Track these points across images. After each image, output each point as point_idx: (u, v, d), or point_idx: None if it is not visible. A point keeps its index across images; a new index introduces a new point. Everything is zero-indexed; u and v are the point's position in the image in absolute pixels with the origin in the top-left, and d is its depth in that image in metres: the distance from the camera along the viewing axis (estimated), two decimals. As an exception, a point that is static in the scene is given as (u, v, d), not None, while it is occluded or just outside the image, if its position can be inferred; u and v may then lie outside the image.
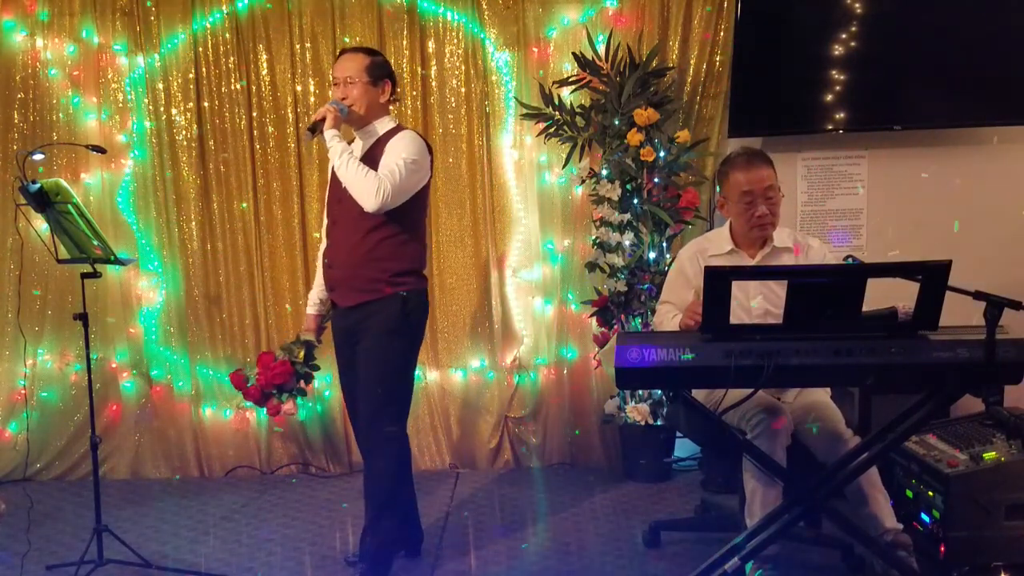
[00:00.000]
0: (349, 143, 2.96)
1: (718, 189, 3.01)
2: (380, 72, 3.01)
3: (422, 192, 3.01)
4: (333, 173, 3.01)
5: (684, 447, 4.12)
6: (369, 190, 2.81)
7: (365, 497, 3.03)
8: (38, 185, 3.01)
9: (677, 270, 3.03)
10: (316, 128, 2.92)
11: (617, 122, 3.97)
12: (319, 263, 3.18)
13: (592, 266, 4.08)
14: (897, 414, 2.54)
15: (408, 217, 2.95)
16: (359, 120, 3.00)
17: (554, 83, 4.10)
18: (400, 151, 2.88)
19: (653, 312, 3.93)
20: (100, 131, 4.22)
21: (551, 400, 4.31)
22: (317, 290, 3.20)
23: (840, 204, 4.19)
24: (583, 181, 4.12)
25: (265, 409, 3.24)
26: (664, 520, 3.41)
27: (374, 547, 2.98)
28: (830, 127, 4.02)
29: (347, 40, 4.17)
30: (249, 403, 3.36)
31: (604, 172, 4.02)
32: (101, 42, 4.19)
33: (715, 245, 3.00)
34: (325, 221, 3.13)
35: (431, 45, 4.20)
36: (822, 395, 2.94)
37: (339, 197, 2.97)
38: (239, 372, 3.29)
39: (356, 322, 2.97)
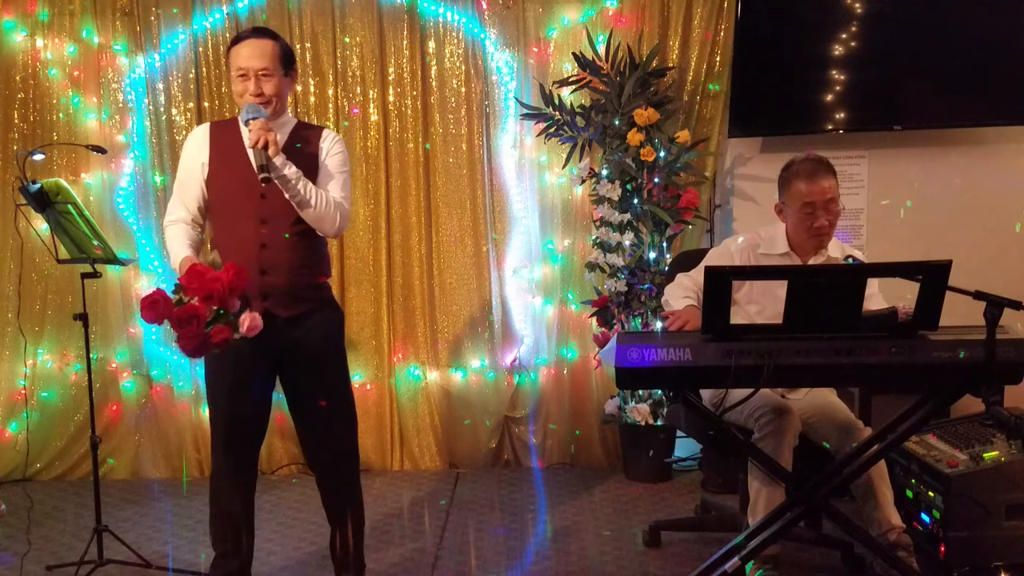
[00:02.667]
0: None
1: (778, 192, 2.97)
2: (290, 59, 2.68)
3: None
4: (231, 159, 2.62)
5: (684, 447, 4.12)
6: (333, 218, 2.60)
7: (340, 511, 2.80)
8: (38, 185, 3.01)
9: (721, 255, 3.00)
10: (268, 165, 2.44)
11: (617, 122, 3.97)
12: (179, 234, 2.65)
13: (592, 266, 4.08)
14: (897, 414, 2.54)
15: None
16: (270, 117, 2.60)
17: (554, 83, 4.11)
18: (341, 165, 2.68)
19: (653, 312, 3.94)
20: (100, 131, 4.22)
21: (551, 400, 4.31)
22: (186, 243, 2.63)
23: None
24: (583, 181, 4.12)
25: (208, 336, 2.28)
26: (664, 520, 3.41)
27: (359, 560, 2.86)
28: (830, 127, 4.02)
29: (347, 40, 4.17)
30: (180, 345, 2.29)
31: (604, 172, 4.02)
32: (101, 42, 4.19)
33: (768, 244, 2.98)
34: (192, 216, 2.67)
35: (431, 45, 4.20)
36: (829, 394, 2.95)
37: (261, 192, 2.56)
38: (159, 293, 2.27)
39: (294, 334, 2.64)
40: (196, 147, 2.69)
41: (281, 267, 2.61)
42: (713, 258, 3.01)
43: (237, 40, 2.64)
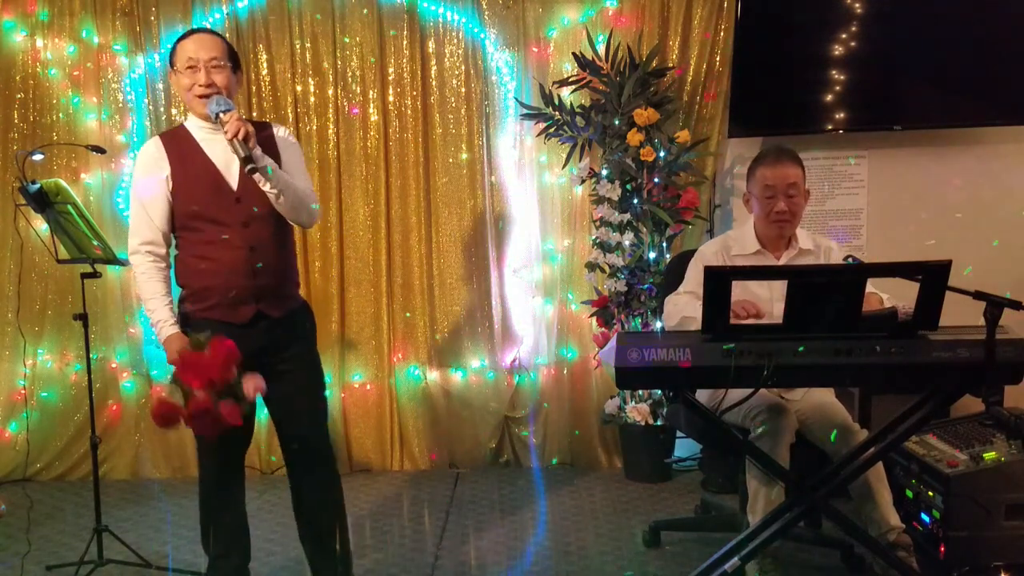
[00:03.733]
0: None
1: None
2: (237, 61, 2.65)
3: None
4: (195, 167, 2.56)
5: (684, 447, 4.12)
6: (309, 208, 2.59)
7: (336, 506, 2.78)
8: (38, 185, 3.01)
9: (699, 264, 2.97)
10: (252, 156, 2.39)
11: (617, 122, 3.97)
12: (150, 272, 2.59)
13: (592, 266, 4.09)
14: (897, 414, 2.54)
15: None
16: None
17: (554, 83, 4.11)
18: (301, 158, 2.69)
19: (653, 312, 3.94)
20: (100, 131, 4.22)
21: (551, 400, 4.31)
22: (165, 303, 2.58)
23: (840, 204, 4.19)
24: (583, 181, 4.12)
25: (221, 417, 2.32)
26: (664, 520, 3.41)
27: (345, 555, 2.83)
28: (830, 127, 4.02)
29: (347, 40, 4.17)
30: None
31: (604, 172, 4.02)
32: (101, 42, 4.19)
33: (739, 245, 2.99)
34: (155, 239, 2.58)
35: (431, 45, 4.20)
36: (827, 394, 2.94)
37: (236, 197, 2.54)
38: (166, 403, 2.36)
39: (282, 333, 2.63)
40: (154, 163, 2.56)
41: (270, 268, 2.59)
42: (696, 268, 2.96)
43: (182, 38, 2.58)
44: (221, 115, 2.43)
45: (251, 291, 2.57)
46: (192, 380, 2.30)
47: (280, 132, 2.70)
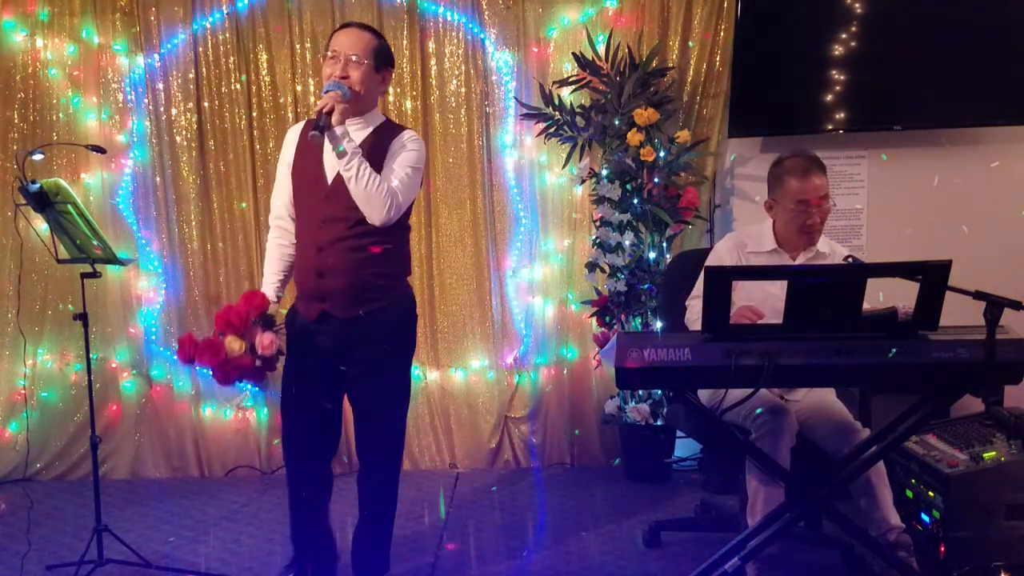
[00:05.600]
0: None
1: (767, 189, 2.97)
2: (385, 59, 2.69)
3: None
4: (303, 162, 2.68)
5: (684, 447, 4.12)
6: (382, 204, 2.52)
7: (374, 506, 2.84)
8: (38, 185, 3.01)
9: (717, 262, 2.96)
10: (324, 125, 2.46)
11: (617, 122, 3.97)
12: (271, 249, 2.81)
13: (592, 266, 4.09)
14: (897, 414, 2.54)
15: (403, 220, 2.71)
16: (350, 108, 2.59)
17: (554, 83, 4.11)
18: (408, 161, 2.62)
19: (653, 312, 3.94)
20: (100, 131, 4.22)
21: (551, 400, 4.31)
22: (271, 282, 2.79)
23: (840, 204, 4.18)
24: (583, 181, 4.12)
25: (230, 362, 2.54)
26: (664, 520, 3.41)
27: (382, 559, 2.88)
28: (830, 127, 4.02)
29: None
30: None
31: (604, 172, 4.02)
32: (101, 42, 4.19)
33: (755, 242, 2.99)
34: (282, 214, 2.78)
35: (431, 45, 4.20)
36: (828, 394, 2.94)
37: (326, 193, 2.62)
38: (186, 337, 2.62)
39: (353, 335, 2.66)
40: (286, 146, 2.75)
41: (337, 269, 2.62)
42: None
43: (339, 28, 2.70)
44: (327, 93, 2.52)
45: (317, 289, 2.65)
46: (219, 324, 2.58)
47: (403, 136, 2.69)
